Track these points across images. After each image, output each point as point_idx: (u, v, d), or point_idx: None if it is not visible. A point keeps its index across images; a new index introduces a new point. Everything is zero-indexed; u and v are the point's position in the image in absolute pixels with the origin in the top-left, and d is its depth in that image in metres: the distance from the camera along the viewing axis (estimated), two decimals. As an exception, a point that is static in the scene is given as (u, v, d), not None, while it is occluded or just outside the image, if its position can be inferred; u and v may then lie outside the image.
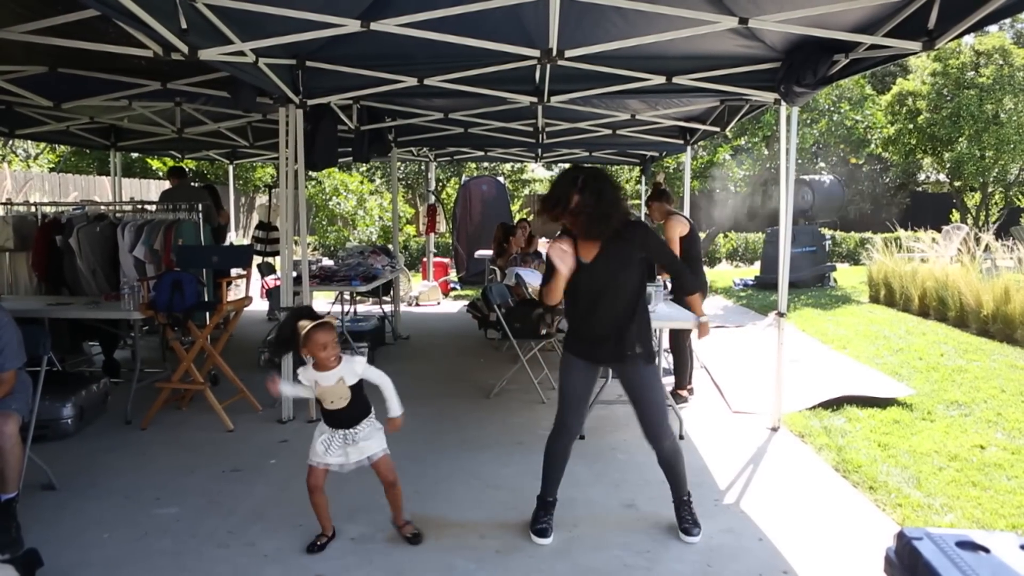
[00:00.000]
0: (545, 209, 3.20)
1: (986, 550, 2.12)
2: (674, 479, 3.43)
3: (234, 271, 6.45)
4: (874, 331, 8.52)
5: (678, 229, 5.47)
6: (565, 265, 3.15)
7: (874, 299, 10.94)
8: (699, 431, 4.96)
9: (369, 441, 3.20)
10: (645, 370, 3.29)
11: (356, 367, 3.14)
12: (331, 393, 3.13)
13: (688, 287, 3.58)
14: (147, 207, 7.08)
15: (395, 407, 3.19)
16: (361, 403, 3.20)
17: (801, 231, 12.38)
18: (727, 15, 3.85)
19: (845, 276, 14.06)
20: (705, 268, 5.98)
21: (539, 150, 9.60)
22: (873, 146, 15.38)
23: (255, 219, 15.37)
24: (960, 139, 15.71)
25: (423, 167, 15.04)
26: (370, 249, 8.41)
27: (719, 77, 4.89)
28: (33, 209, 7.33)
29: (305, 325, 3.07)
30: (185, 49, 3.68)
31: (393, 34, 4.03)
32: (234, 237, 12.26)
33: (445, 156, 11.20)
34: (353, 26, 3.93)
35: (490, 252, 9.23)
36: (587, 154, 9.70)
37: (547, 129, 7.85)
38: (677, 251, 5.46)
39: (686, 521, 3.41)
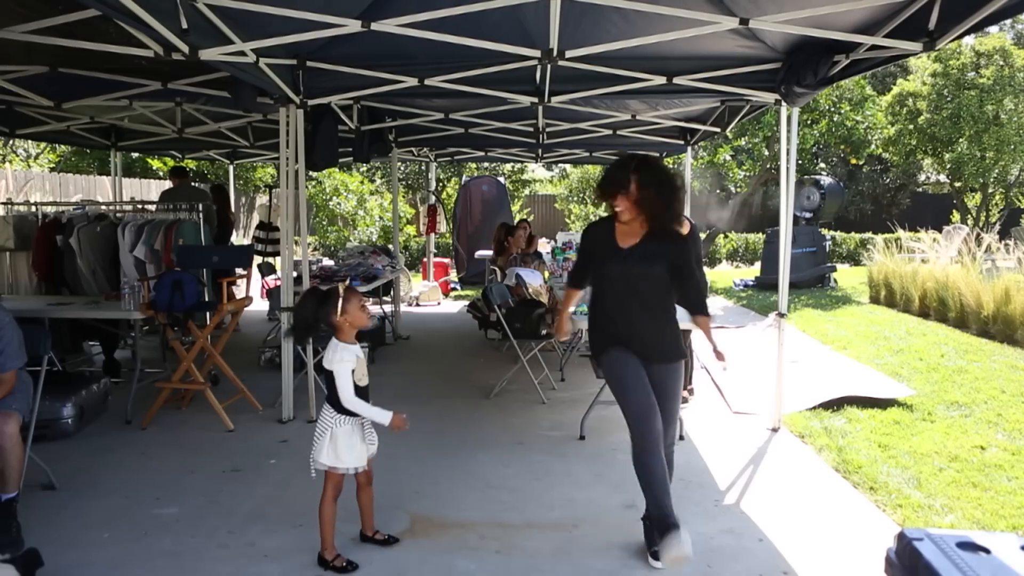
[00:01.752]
0: (603, 194, 3.21)
1: (987, 551, 2.12)
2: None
3: (236, 271, 6.45)
4: (874, 332, 8.51)
5: (680, 229, 5.46)
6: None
7: (874, 300, 10.93)
8: (699, 432, 4.96)
9: (374, 433, 3.16)
10: (673, 367, 3.22)
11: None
12: (362, 366, 3.08)
13: (695, 305, 3.33)
14: (147, 207, 7.09)
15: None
16: None
17: (801, 232, 12.38)
18: (727, 15, 3.85)
19: (845, 277, 14.05)
20: (705, 268, 5.97)
21: (539, 150, 9.60)
22: (873, 147, 15.38)
23: (255, 219, 15.37)
24: (960, 140, 15.72)
25: (423, 167, 15.06)
26: (370, 249, 8.42)
27: (720, 78, 4.89)
28: (33, 209, 7.33)
29: (338, 291, 3.01)
30: (186, 49, 3.68)
31: (393, 34, 4.03)
32: (234, 237, 12.26)
33: (445, 156, 11.20)
34: (353, 26, 3.93)
35: (490, 252, 9.23)
36: (587, 154, 9.70)
37: (547, 129, 7.85)
38: None
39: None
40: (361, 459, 3.10)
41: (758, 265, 15.22)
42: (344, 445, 3.03)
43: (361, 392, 3.05)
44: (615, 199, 3.15)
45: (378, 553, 3.23)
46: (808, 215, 13.45)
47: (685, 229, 5.43)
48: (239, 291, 6.18)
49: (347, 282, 3.18)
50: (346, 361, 3.00)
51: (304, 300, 3.12)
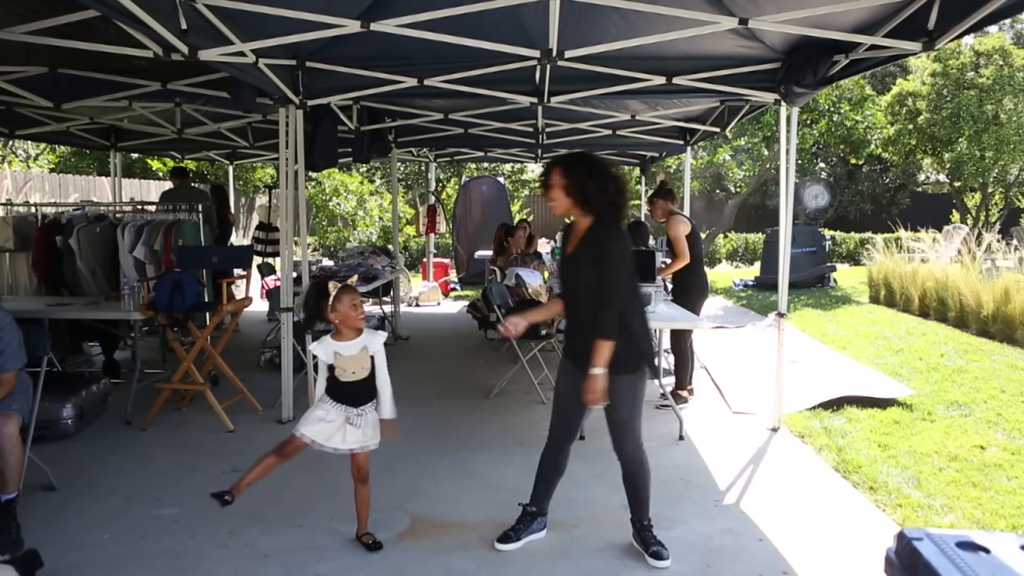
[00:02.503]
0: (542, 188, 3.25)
1: (986, 551, 2.12)
2: (633, 498, 3.25)
3: (235, 271, 6.45)
4: (874, 331, 8.52)
5: (682, 228, 5.49)
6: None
7: (874, 299, 10.94)
8: (699, 432, 4.96)
9: (369, 429, 3.17)
10: (611, 380, 2.97)
11: (377, 340, 3.20)
12: (352, 363, 3.11)
13: (601, 329, 2.92)
14: (147, 207, 7.08)
15: (388, 409, 3.18)
16: (372, 382, 3.18)
17: (801, 231, 12.39)
18: (727, 15, 3.85)
19: (845, 276, 14.06)
20: (705, 268, 5.98)
21: (539, 150, 9.60)
22: (873, 146, 15.38)
23: (255, 219, 15.38)
24: (960, 139, 15.73)
25: (423, 167, 15.05)
26: (370, 250, 8.41)
27: (719, 78, 4.89)
28: (33, 209, 7.33)
29: (333, 288, 3.11)
30: (185, 50, 3.68)
31: (393, 34, 4.03)
32: (234, 238, 12.28)
33: (445, 156, 11.21)
34: (353, 26, 3.93)
35: (490, 252, 9.23)
36: (587, 154, 9.69)
37: (547, 130, 7.86)
38: (686, 250, 5.47)
39: (653, 543, 3.19)
40: (322, 438, 3.11)
41: (758, 265, 15.23)
42: (316, 416, 3.13)
43: (345, 387, 3.12)
44: (546, 195, 3.15)
45: (378, 554, 3.23)
46: (816, 214, 13.48)
47: (686, 228, 5.50)
48: (239, 291, 6.18)
49: (353, 280, 3.27)
50: (315, 352, 3.14)
51: (308, 292, 3.29)
